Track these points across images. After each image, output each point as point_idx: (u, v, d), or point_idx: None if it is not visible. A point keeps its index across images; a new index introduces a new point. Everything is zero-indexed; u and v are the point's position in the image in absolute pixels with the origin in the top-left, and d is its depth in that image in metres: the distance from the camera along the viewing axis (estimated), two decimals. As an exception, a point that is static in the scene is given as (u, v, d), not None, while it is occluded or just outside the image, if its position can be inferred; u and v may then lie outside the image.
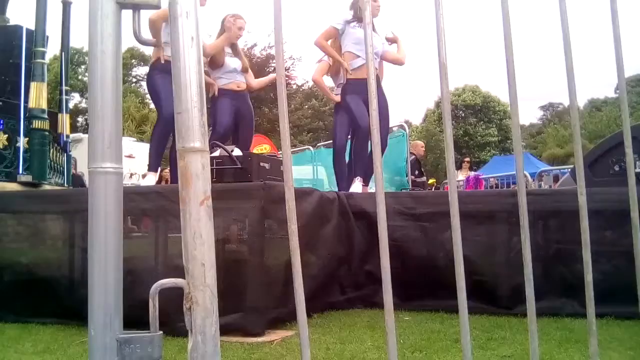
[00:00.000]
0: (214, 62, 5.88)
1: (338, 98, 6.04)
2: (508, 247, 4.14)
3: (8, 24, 9.79)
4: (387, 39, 6.07)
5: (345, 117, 5.92)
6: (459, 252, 1.26)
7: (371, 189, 5.93)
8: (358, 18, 5.73)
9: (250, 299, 3.51)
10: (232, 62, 5.98)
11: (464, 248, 1.32)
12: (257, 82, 6.44)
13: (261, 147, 13.84)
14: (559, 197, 4.30)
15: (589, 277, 1.43)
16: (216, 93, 5.80)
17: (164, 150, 5.73)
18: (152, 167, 5.61)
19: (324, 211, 4.24)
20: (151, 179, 5.50)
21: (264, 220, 3.62)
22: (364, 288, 4.30)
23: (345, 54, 5.81)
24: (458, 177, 12.66)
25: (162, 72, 5.30)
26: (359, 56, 5.73)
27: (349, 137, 6.10)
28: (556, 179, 12.30)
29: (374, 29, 5.72)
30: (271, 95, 29.09)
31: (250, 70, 6.28)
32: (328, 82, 6.51)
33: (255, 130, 6.50)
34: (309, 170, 11.46)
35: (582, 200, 1.46)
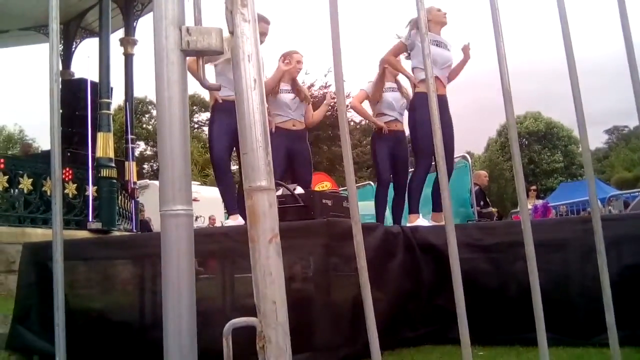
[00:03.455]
0: (270, 96, 5.84)
1: (381, 123, 5.94)
2: (582, 275, 3.99)
3: (73, 78, 10.25)
4: (463, 48, 5.84)
5: (385, 145, 5.92)
6: (535, 284, 1.22)
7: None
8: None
9: (319, 338, 3.48)
10: (288, 99, 5.87)
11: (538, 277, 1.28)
12: (316, 115, 6.34)
13: (322, 184, 13.88)
14: (633, 222, 4.15)
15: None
16: (273, 129, 5.71)
17: (233, 189, 5.72)
18: (230, 210, 5.57)
19: (389, 246, 4.19)
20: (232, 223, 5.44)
21: (328, 257, 3.61)
22: (435, 324, 4.19)
23: (414, 69, 5.73)
24: (525, 206, 12.35)
25: (218, 113, 5.39)
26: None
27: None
28: (627, 204, 11.89)
29: (439, 44, 5.62)
30: (329, 133, 29.28)
31: (310, 105, 6.20)
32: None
33: (315, 168, 6.46)
34: (370, 206, 11.38)
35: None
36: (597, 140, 62.49)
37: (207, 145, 5.85)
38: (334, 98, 6.17)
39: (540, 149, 44.63)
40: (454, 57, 5.79)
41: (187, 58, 1.17)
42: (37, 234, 6.97)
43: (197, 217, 15.48)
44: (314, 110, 6.40)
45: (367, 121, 7.31)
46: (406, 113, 6.02)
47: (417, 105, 5.54)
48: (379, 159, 6.00)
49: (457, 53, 5.83)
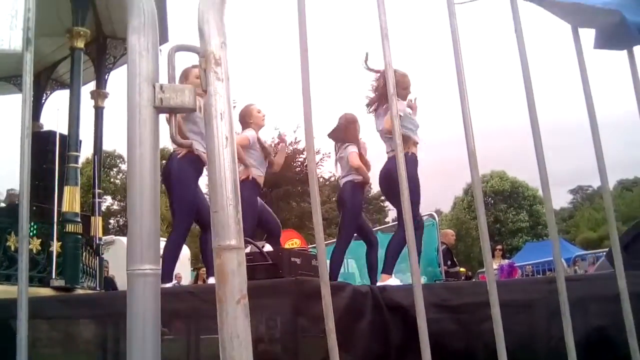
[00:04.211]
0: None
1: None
2: (548, 336, 3.99)
3: (42, 130, 10.16)
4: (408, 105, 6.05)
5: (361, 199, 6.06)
6: (501, 346, 1.21)
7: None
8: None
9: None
10: (263, 155, 5.99)
11: (505, 338, 1.28)
12: (277, 160, 6.42)
13: (292, 241, 13.82)
14: (598, 282, 4.19)
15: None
16: (250, 177, 5.74)
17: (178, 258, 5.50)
18: (166, 278, 5.11)
19: (357, 306, 4.15)
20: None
21: (296, 317, 3.56)
22: (403, 385, 4.13)
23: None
24: (491, 266, 12.44)
25: (189, 165, 5.21)
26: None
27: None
28: (592, 263, 12.04)
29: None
30: (299, 189, 29.28)
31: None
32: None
33: (284, 225, 6.48)
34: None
35: (622, 284, 1.43)
36: (561, 200, 63.65)
37: (171, 198, 5.58)
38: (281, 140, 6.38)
39: (505, 208, 45.19)
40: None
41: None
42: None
43: (163, 275, 15.18)
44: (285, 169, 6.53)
45: (336, 178, 7.35)
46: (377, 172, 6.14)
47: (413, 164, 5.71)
48: (358, 213, 6.06)
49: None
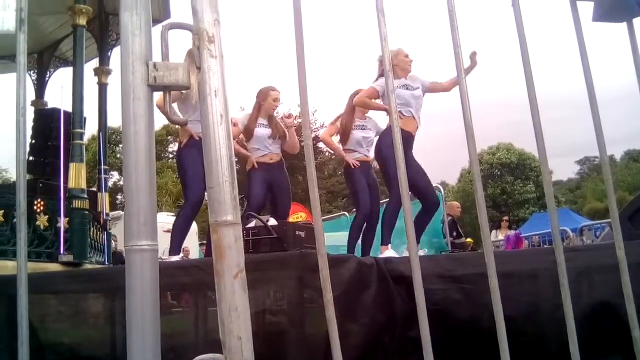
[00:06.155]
0: (247, 133, 5.88)
1: (350, 159, 6.02)
2: (554, 305, 4.01)
3: (46, 107, 10.16)
4: (471, 55, 5.85)
5: (362, 175, 6.03)
6: (499, 315, 1.23)
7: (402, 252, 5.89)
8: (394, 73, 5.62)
9: (292, 372, 3.44)
10: (265, 133, 5.92)
11: (509, 309, 1.29)
12: (290, 143, 6.30)
13: (297, 215, 13.83)
14: (600, 252, 4.19)
15: (635, 333, 1.38)
16: (255, 165, 5.77)
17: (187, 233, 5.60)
18: (174, 251, 5.35)
19: (362, 277, 4.18)
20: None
21: (302, 290, 3.59)
22: (409, 356, 4.17)
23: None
24: (498, 237, 12.47)
25: (193, 148, 5.27)
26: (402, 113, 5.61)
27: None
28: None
29: (408, 87, 5.71)
30: (304, 163, 29.30)
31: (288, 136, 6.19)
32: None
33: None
34: (345, 237, 11.35)
35: (621, 254, 1.43)
36: (569, 170, 63.56)
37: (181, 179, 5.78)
38: (288, 117, 6.28)
39: (512, 180, 45.07)
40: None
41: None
42: (8, 266, 6.78)
43: (171, 249, 15.23)
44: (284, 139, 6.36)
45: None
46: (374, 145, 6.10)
47: (390, 140, 5.56)
48: (360, 187, 6.01)
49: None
